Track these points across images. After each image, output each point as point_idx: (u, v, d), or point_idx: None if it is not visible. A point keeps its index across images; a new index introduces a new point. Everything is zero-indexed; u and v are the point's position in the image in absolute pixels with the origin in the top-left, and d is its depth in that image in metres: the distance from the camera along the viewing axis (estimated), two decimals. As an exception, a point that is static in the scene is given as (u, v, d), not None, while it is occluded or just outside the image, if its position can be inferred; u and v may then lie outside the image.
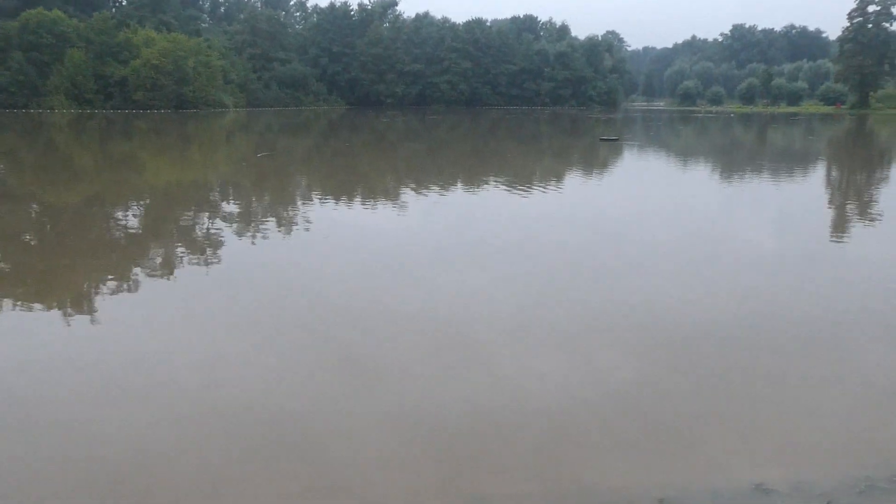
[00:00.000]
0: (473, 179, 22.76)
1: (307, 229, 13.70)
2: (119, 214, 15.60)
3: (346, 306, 8.59)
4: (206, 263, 10.89)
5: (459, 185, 21.22)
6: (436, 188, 20.27)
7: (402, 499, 4.53)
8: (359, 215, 15.68)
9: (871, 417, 5.69)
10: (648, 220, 15.23)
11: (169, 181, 22.23)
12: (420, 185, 20.98)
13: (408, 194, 18.95)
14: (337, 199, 18.31)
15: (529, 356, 7.04)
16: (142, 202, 17.65)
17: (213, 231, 13.45)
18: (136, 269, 10.46)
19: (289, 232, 13.51)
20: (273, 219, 15.07)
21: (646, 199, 18.94)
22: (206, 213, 15.62)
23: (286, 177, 23.55)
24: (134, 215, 15.64)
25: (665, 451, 5.14)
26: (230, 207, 16.72)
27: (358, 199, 18.42)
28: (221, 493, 4.61)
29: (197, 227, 14.08)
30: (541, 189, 20.52)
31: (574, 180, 23.46)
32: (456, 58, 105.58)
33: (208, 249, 11.92)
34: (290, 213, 15.93)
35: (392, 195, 19.02)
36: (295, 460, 4.99)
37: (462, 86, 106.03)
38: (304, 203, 17.59)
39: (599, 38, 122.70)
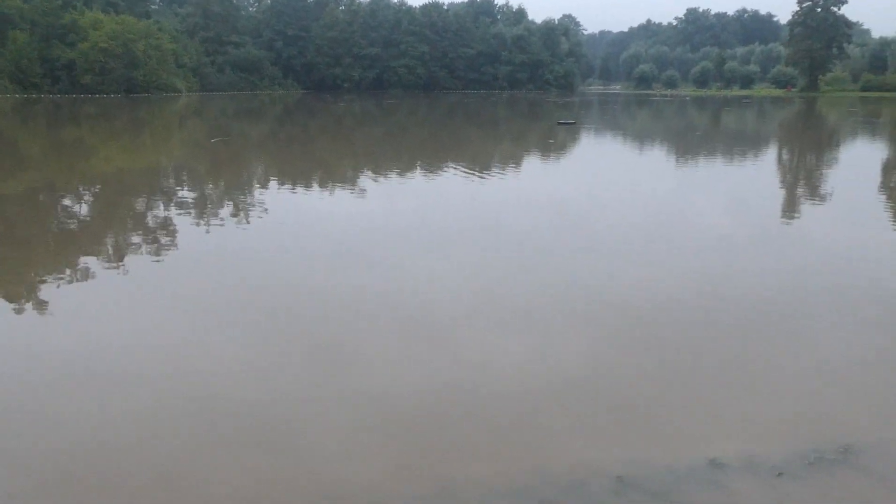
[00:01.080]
0: (432, 164, 22.72)
1: (265, 215, 13.53)
2: (69, 203, 15.20)
3: (309, 291, 8.54)
4: (162, 251, 10.70)
5: (418, 170, 21.17)
6: (395, 173, 20.19)
7: (367, 484, 4.54)
8: (317, 201, 15.55)
9: (820, 393, 5.87)
10: (607, 202, 15.40)
11: (121, 168, 21.72)
12: (379, 170, 20.86)
13: (367, 180, 18.84)
14: (295, 184, 18.12)
15: (492, 338, 7.09)
16: (93, 190, 17.22)
17: (168, 218, 13.20)
18: (90, 259, 10.21)
19: (246, 218, 13.33)
20: (230, 205, 14.85)
21: (604, 181, 19.14)
22: (161, 201, 15.32)
23: (242, 162, 23.20)
24: (85, 203, 15.27)
25: (624, 429, 5.24)
26: (186, 194, 16.42)
27: (316, 184, 18.25)
28: (181, 485, 4.55)
29: (152, 214, 13.80)
30: (500, 173, 20.58)
31: (533, 164, 23.57)
32: (413, 41, 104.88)
33: (164, 237, 11.71)
34: (248, 199, 15.72)
35: (351, 181, 18.89)
36: (259, 449, 4.94)
37: (419, 70, 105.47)
38: (261, 189, 17.37)
39: (556, 22, 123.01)
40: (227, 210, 14.21)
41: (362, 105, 62.61)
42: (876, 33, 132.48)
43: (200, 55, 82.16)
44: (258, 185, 18.04)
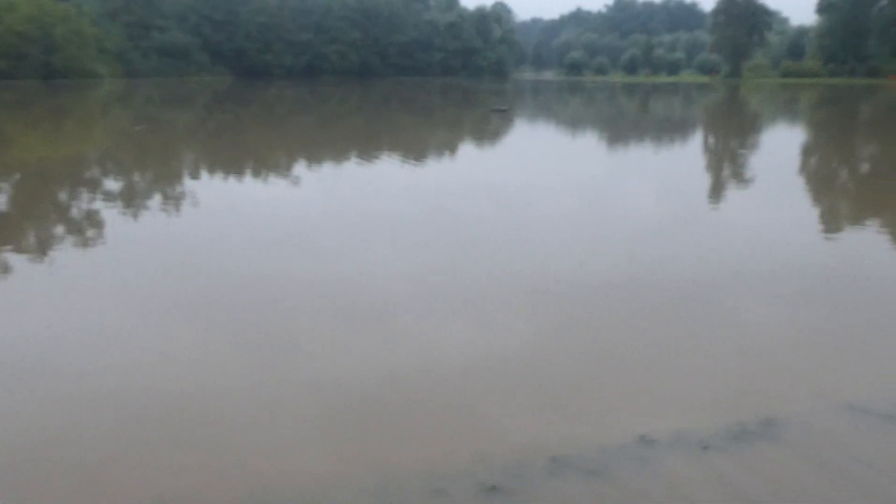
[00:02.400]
0: (367, 152, 22.59)
1: (196, 205, 13.24)
2: (-14, 194, 14.55)
3: (244, 280, 8.43)
4: (88, 243, 10.37)
5: (353, 157, 21.01)
6: (330, 161, 20.01)
7: (305, 479, 4.54)
8: (251, 190, 15.29)
9: (743, 370, 6.13)
10: (541, 188, 15.62)
11: (42, 157, 20.86)
12: (313, 158, 20.64)
13: (301, 168, 18.62)
14: (226, 174, 17.76)
15: (432, 323, 7.17)
16: (13, 180, 16.51)
17: (93, 210, 12.78)
18: (10, 251, 9.81)
19: (176, 208, 13.01)
20: (159, 195, 14.46)
21: (538, 168, 19.39)
22: (86, 191, 14.81)
23: (170, 151, 22.58)
24: (4, 194, 14.63)
25: (559, 410, 5.38)
26: (111, 184, 15.91)
27: (249, 173, 17.93)
28: (103, 488, 4.42)
29: (76, 205, 13.34)
30: (435, 160, 20.67)
31: (468, 151, 23.71)
32: (345, 27, 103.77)
33: (89, 229, 11.34)
34: (177, 189, 15.34)
35: (284, 169, 18.62)
36: (191, 446, 4.87)
37: (352, 56, 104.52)
38: (191, 179, 16.95)
39: (488, 9, 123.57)
40: (155, 201, 13.84)
41: (295, 92, 61.63)
42: (794, 21, 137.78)
43: (123, 40, 79.47)
44: (187, 175, 17.61)
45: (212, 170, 18.60)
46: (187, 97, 54.27)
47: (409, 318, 7.34)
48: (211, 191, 14.95)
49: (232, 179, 16.75)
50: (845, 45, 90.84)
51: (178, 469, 4.59)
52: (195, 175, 17.68)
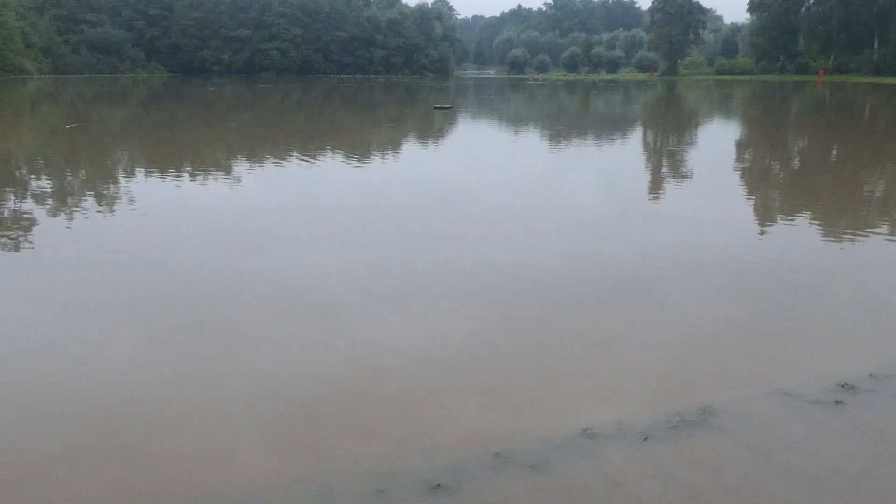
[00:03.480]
0: (309, 149, 22.34)
1: (132, 205, 12.87)
2: None
3: (185, 279, 8.25)
4: (19, 245, 9.97)
5: (295, 155, 20.73)
6: (271, 159, 19.69)
7: (249, 476, 4.45)
8: (189, 189, 14.93)
9: (682, 360, 6.26)
10: (484, 184, 15.71)
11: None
12: (254, 156, 20.27)
13: (241, 166, 18.27)
14: (163, 173, 17.30)
15: (377, 319, 7.16)
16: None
17: (22, 210, 12.31)
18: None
19: (111, 208, 12.62)
20: (92, 195, 14.00)
21: (481, 164, 19.48)
22: (13, 192, 14.24)
23: (103, 150, 21.89)
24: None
25: (502, 405, 5.41)
26: (41, 184, 15.33)
27: (187, 172, 17.51)
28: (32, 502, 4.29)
29: (3, 206, 12.81)
30: (379, 158, 20.57)
31: (411, 149, 23.65)
32: (285, 23, 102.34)
33: (18, 231, 10.90)
34: (112, 188, 14.87)
35: (224, 167, 18.24)
36: (124, 454, 4.73)
37: (293, 53, 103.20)
38: (126, 178, 16.46)
39: (429, 6, 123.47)
40: (89, 201, 13.39)
41: (233, 89, 60.52)
42: (727, 20, 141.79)
43: (52, 34, 76.76)
44: (123, 174, 17.10)
45: (148, 169, 18.08)
46: (121, 94, 52.74)
47: (352, 315, 7.28)
48: (148, 190, 14.55)
49: (170, 178, 16.33)
50: (776, 43, 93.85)
51: (111, 480, 4.44)
52: (131, 174, 17.17)
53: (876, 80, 73.04)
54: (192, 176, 16.81)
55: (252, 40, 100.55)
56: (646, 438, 4.88)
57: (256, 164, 18.53)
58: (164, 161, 19.40)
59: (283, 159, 19.80)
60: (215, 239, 10.46)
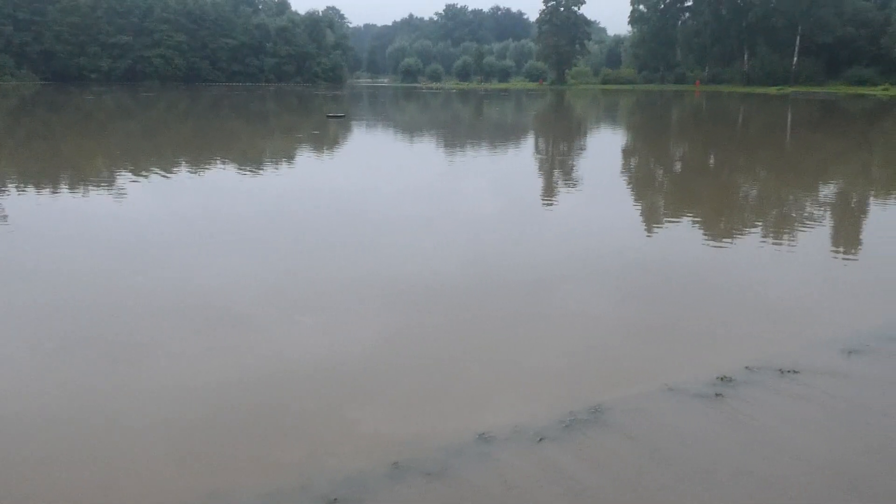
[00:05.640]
0: (199, 160, 21.62)
1: (4, 221, 12.06)
2: None
3: (83, 295, 7.95)
4: None
5: (184, 166, 20.02)
6: (158, 171, 18.91)
7: (149, 491, 4.27)
8: (70, 203, 14.13)
9: (574, 361, 6.47)
10: (381, 192, 15.69)
11: None
12: (139, 168, 19.40)
13: (126, 179, 17.44)
14: (39, 187, 16.30)
15: (277, 329, 7.12)
16: None
17: None
18: None
19: (-21, 227, 11.80)
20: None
21: (377, 172, 19.43)
22: None
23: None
24: None
25: (399, 414, 5.42)
26: None
27: (65, 185, 16.59)
28: None
29: None
30: (272, 168, 20.18)
31: (305, 158, 23.32)
32: (168, 30, 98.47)
33: None
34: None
35: (107, 180, 17.38)
36: (34, 461, 4.42)
37: (178, 60, 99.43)
38: (-4, 193, 15.42)
39: (320, 14, 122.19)
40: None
41: (114, 98, 57.82)
42: (611, 31, 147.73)
43: None
44: (-8, 190, 16.00)
45: (22, 183, 16.99)
46: (-10, 104, 49.38)
47: (253, 326, 7.19)
48: (22, 206, 13.67)
49: (47, 193, 15.42)
50: (656, 55, 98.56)
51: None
52: (1, 188, 16.09)
53: (747, 90, 77.98)
54: (72, 189, 15.93)
55: (133, 47, 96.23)
56: (541, 439, 5.00)
57: (143, 177, 17.75)
58: (40, 174, 18.30)
59: (172, 171, 19.08)
60: (104, 252, 10.02)
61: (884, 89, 64.66)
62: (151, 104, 51.96)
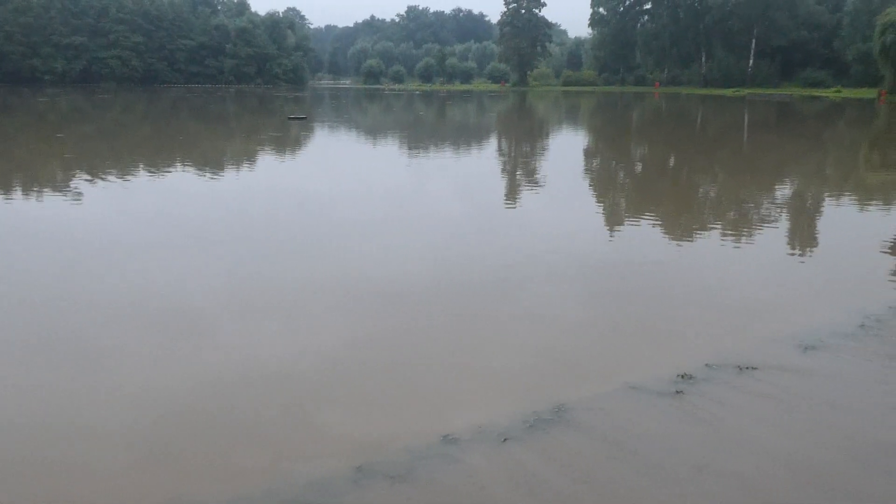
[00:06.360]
0: (158, 163, 21.24)
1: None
2: None
3: (44, 301, 7.77)
4: None
5: (143, 170, 19.66)
6: (116, 174, 18.53)
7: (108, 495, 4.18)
8: (25, 207, 13.78)
9: (537, 361, 6.49)
10: (345, 194, 15.61)
11: None
12: (96, 171, 18.99)
13: (83, 182, 17.04)
14: (-11, 191, 15.88)
15: (240, 332, 7.05)
16: None
17: None
18: None
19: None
20: None
21: (341, 174, 19.32)
22: None
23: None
24: None
25: (363, 418, 5.38)
26: None
27: (19, 190, 16.17)
28: None
29: None
30: (234, 170, 19.94)
31: (266, 161, 23.09)
32: (124, 30, 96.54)
33: None
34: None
35: (63, 184, 16.97)
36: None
37: (135, 62, 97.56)
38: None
39: (281, 15, 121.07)
40: None
41: (69, 100, 56.57)
42: (571, 34, 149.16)
43: None
44: (-59, 194, 15.53)
45: (-29, 187, 16.53)
46: (-62, 106, 47.96)
47: (215, 329, 7.13)
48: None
49: (-3, 197, 15.02)
50: (616, 57, 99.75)
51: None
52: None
53: (705, 91, 79.30)
54: (25, 193, 15.54)
55: (89, 48, 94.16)
56: (505, 440, 5.00)
57: (100, 180, 17.37)
58: (-9, 178, 17.81)
59: (130, 174, 18.71)
60: (61, 256, 9.82)
61: (836, 91, 66.26)
62: (108, 106, 50.98)
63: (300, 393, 5.78)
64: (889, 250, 10.90)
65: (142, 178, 17.90)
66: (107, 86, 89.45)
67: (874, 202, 15.91)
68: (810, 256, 10.85)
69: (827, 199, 16.37)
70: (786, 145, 28.08)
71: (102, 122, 38.70)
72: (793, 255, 10.87)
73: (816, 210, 14.84)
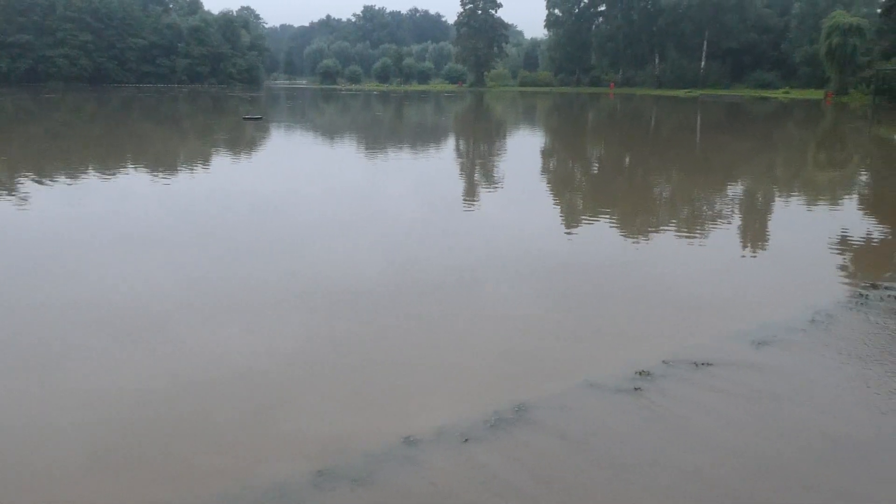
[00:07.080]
0: (109, 165, 20.75)
1: None
2: None
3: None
4: None
5: (92, 171, 19.19)
6: (64, 176, 18.05)
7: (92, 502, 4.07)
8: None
9: (497, 362, 6.51)
10: (302, 195, 15.48)
11: None
12: (44, 173, 18.46)
13: (29, 184, 16.55)
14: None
15: (207, 331, 7.03)
16: None
17: None
18: None
19: None
20: None
21: (297, 175, 19.12)
22: None
23: None
24: None
25: (322, 421, 5.33)
26: None
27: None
28: None
29: None
30: (188, 172, 19.58)
31: (222, 162, 22.74)
32: (72, 29, 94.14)
33: None
34: None
35: (7, 187, 16.46)
36: None
37: (83, 61, 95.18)
38: None
39: (234, 14, 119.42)
40: None
41: (14, 100, 54.95)
42: (528, 35, 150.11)
43: None
44: None
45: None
46: None
47: (187, 324, 7.12)
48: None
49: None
50: (571, 58, 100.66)
51: None
52: None
53: (658, 92, 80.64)
54: (-32, 196, 15.03)
55: (35, 46, 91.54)
56: (466, 440, 5.00)
57: (48, 182, 16.90)
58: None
59: (79, 176, 18.25)
60: (11, 260, 9.51)
61: (784, 92, 67.97)
62: (55, 106, 49.67)
63: (259, 395, 5.70)
64: (837, 247, 11.21)
65: (92, 180, 17.47)
66: (54, 85, 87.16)
67: (822, 200, 16.36)
68: (762, 254, 11.10)
69: (777, 197, 16.77)
70: (737, 145, 28.69)
71: (49, 122, 37.67)
72: (745, 252, 11.11)
73: (767, 208, 15.18)
